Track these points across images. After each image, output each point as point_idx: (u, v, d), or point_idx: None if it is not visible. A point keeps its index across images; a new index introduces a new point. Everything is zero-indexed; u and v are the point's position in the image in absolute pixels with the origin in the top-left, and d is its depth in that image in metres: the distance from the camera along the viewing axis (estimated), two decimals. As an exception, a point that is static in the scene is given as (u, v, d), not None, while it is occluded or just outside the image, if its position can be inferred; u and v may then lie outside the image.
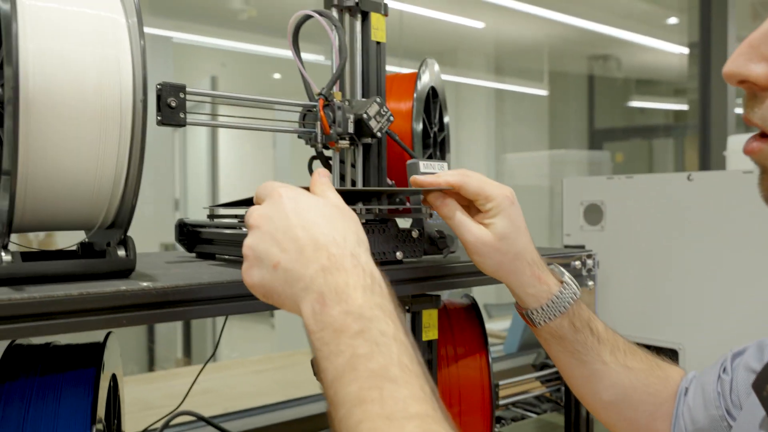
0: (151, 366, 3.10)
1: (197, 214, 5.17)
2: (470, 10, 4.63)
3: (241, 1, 4.42)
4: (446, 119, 1.20)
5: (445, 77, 1.18)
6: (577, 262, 0.97)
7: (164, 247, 4.31)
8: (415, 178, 0.77)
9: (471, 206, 0.76)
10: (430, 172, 0.82)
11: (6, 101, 0.58)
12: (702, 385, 0.75)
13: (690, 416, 0.75)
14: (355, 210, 0.72)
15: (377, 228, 0.75)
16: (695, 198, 1.39)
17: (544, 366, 1.49)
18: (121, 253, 0.65)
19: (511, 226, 0.74)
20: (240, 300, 0.64)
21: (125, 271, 0.65)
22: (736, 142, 2.11)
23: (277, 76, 6.05)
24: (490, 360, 1.10)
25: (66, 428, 0.66)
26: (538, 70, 5.46)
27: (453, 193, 0.76)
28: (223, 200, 5.37)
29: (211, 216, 0.79)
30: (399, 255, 0.77)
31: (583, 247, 1.29)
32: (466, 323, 1.11)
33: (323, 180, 0.64)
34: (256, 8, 4.45)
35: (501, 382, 1.32)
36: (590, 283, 0.99)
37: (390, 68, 1.04)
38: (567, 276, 0.77)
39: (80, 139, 0.59)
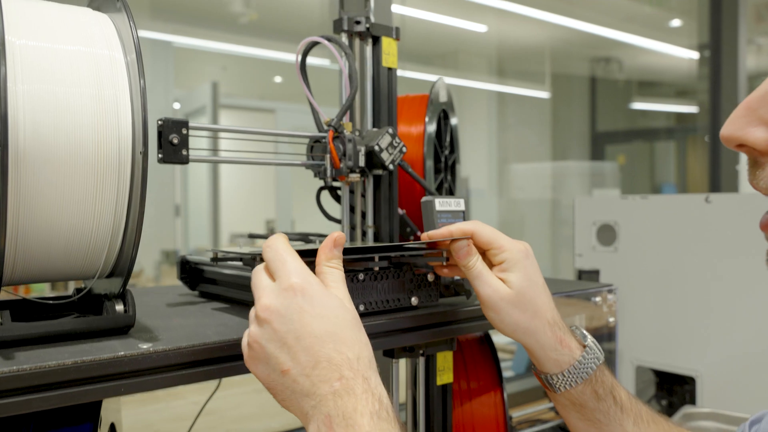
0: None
1: (198, 219, 5.13)
2: (473, 14, 4.60)
3: (242, 5, 4.37)
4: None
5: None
6: (598, 298, 0.93)
7: (165, 254, 4.27)
8: (429, 234, 0.73)
9: (484, 258, 0.71)
10: (446, 210, 0.78)
11: (-6, 150, 0.54)
12: None
13: None
14: (369, 257, 0.67)
15: (392, 274, 0.70)
16: (713, 220, 1.34)
17: (557, 394, 1.44)
18: (119, 307, 0.61)
19: (527, 281, 0.69)
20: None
21: (124, 327, 0.60)
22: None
23: (278, 79, 6.01)
24: (505, 395, 1.05)
25: (60, 494, 0.62)
26: (539, 72, 5.43)
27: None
28: (224, 206, 5.31)
29: (215, 259, 0.74)
30: (414, 301, 0.73)
31: (597, 272, 1.24)
32: (480, 357, 1.07)
33: (336, 252, 0.60)
34: (257, 11, 4.41)
35: (514, 415, 1.27)
36: (611, 319, 0.94)
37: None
38: (590, 339, 0.73)
39: (75, 192, 0.54)
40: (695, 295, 1.38)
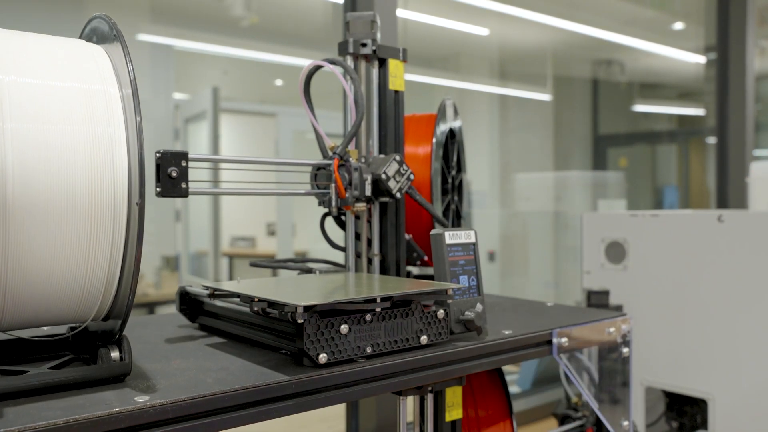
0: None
1: (199, 222, 5.09)
2: (475, 18, 4.57)
3: (243, 8, 4.34)
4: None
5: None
6: (612, 329, 0.89)
7: (165, 260, 4.24)
8: None
9: None
10: (456, 243, 0.75)
11: (-18, 193, 0.51)
12: None
13: None
14: (371, 298, 0.64)
15: (400, 313, 0.67)
16: (726, 239, 1.31)
17: (566, 417, 1.41)
18: (115, 354, 0.58)
19: None
20: (249, 408, 0.57)
21: (120, 376, 0.57)
22: (758, 169, 2.05)
23: (279, 82, 5.97)
24: (514, 424, 1.02)
25: None
26: (541, 75, 5.40)
27: None
28: (225, 209, 5.27)
29: (212, 295, 0.71)
30: (424, 339, 0.70)
31: (606, 293, 1.21)
32: (488, 384, 1.04)
33: None
34: (258, 15, 4.37)
35: (522, 441, 1.24)
36: (625, 350, 0.91)
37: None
38: None
39: (67, 239, 0.51)
40: (708, 315, 1.35)
